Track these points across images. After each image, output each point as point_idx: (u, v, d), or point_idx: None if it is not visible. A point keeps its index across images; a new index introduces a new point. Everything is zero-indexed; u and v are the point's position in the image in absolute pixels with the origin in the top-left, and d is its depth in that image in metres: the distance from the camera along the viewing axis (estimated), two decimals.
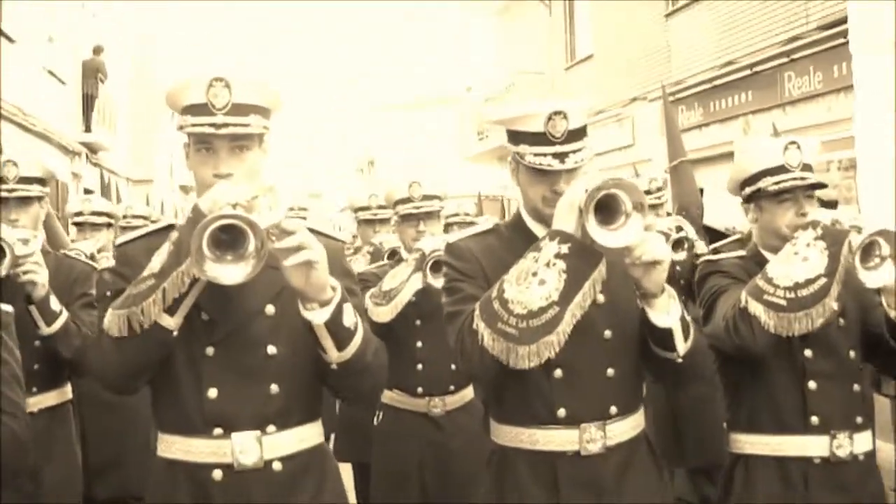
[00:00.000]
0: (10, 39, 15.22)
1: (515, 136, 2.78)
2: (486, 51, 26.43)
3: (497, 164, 24.96)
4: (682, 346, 2.70)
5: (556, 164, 2.69)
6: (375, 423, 4.56)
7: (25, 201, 4.17)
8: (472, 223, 5.39)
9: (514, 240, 2.82)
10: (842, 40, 10.89)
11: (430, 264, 4.30)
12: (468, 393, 4.55)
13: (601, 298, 2.69)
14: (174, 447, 2.54)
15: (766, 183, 3.27)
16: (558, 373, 2.74)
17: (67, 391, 4.23)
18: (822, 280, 3.01)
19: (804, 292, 3.01)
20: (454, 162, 27.45)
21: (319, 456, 2.65)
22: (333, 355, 2.45)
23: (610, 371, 2.78)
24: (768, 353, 3.12)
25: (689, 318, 2.75)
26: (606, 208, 2.55)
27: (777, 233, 3.29)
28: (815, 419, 3.19)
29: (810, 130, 12.17)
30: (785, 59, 12.60)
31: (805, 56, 12.18)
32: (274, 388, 2.51)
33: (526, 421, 2.78)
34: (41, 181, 4.26)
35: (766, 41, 13.05)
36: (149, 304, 2.33)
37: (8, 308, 2.47)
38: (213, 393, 2.48)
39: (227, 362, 2.49)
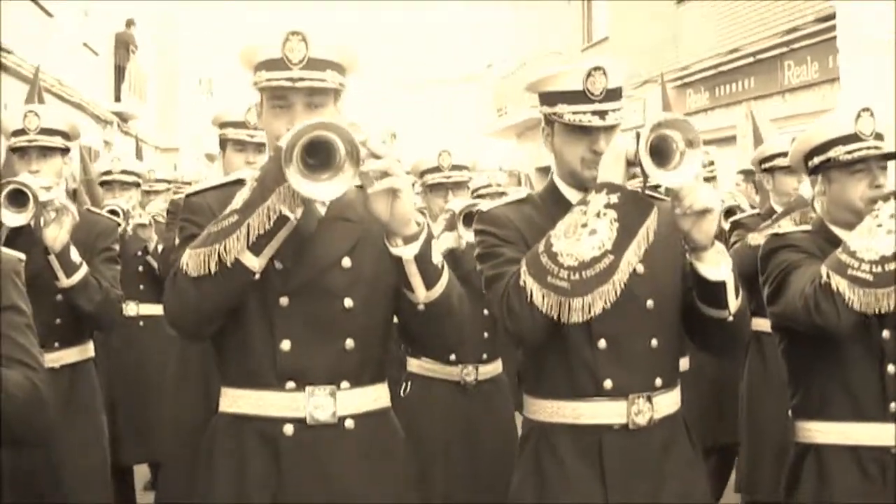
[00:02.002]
0: (48, 14, 15.95)
1: (551, 98, 2.66)
2: (507, 30, 26.78)
3: (516, 140, 25.50)
4: (733, 303, 2.59)
5: (595, 121, 2.59)
6: (402, 394, 4.35)
7: (47, 152, 4.03)
8: (503, 194, 5.17)
9: (550, 208, 2.71)
10: (835, 34, 11.34)
11: (462, 218, 4.17)
12: (499, 365, 4.44)
13: (641, 269, 2.58)
14: (242, 401, 2.44)
15: (838, 152, 3.01)
16: (602, 343, 2.62)
17: (90, 348, 4.14)
18: None
19: (893, 266, 2.73)
20: (474, 138, 27.91)
21: (389, 419, 2.57)
22: (421, 294, 2.35)
23: (654, 342, 2.66)
24: (849, 333, 2.86)
25: (736, 274, 2.63)
26: (658, 152, 2.46)
27: (849, 205, 3.03)
28: (894, 406, 2.93)
29: (805, 118, 12.66)
30: (785, 49, 13.00)
31: (803, 47, 12.58)
32: (349, 342, 2.42)
33: (569, 394, 2.65)
34: (64, 134, 4.10)
35: (768, 31, 13.44)
36: (232, 240, 2.23)
37: (21, 255, 2.36)
38: (286, 345, 2.39)
39: (302, 314, 2.40)
